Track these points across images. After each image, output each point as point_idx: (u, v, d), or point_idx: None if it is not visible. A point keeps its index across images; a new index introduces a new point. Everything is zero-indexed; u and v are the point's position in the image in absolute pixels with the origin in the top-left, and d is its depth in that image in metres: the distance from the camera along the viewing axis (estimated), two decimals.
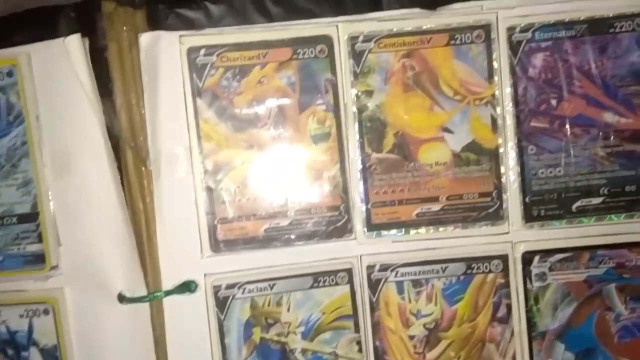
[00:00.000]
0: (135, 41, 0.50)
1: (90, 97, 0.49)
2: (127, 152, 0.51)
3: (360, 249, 0.52)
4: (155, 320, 0.52)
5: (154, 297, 0.50)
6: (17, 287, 0.51)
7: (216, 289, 0.52)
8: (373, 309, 0.53)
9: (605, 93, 0.52)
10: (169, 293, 0.51)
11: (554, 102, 0.52)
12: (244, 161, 0.51)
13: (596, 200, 0.52)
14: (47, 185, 0.50)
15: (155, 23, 0.51)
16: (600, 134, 0.52)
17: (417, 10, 0.52)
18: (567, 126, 0.52)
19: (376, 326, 0.53)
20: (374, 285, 0.53)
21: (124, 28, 0.50)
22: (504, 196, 0.52)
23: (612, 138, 0.52)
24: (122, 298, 0.50)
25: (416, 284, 0.53)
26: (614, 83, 0.52)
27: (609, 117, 0.52)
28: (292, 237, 0.52)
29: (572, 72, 0.52)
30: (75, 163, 0.50)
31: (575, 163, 0.52)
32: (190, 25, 0.51)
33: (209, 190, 0.51)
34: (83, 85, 0.49)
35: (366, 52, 0.51)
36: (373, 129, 0.52)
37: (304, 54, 0.51)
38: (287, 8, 0.51)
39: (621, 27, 0.51)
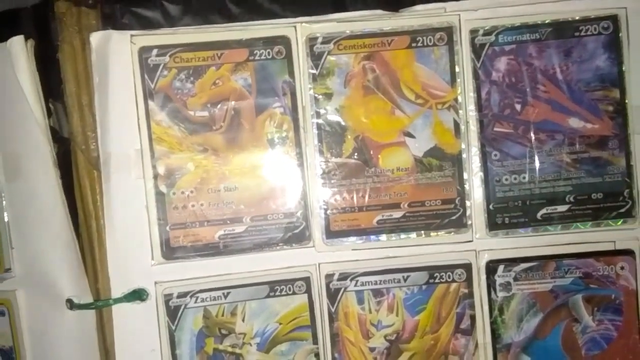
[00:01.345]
0: (89, 41, 0.49)
1: (31, 100, 0.48)
2: (79, 155, 0.49)
3: (319, 257, 0.51)
4: (105, 328, 0.50)
5: (101, 304, 0.48)
6: None
7: (167, 298, 0.50)
8: (332, 320, 0.51)
9: (570, 98, 0.50)
10: (117, 301, 0.49)
11: (518, 106, 0.51)
12: (197, 165, 0.50)
13: (562, 208, 0.51)
14: (1, 188, 0.49)
15: (109, 22, 0.49)
16: (566, 139, 0.50)
17: (378, 11, 0.50)
18: (532, 132, 0.50)
19: (335, 337, 0.51)
20: (332, 295, 0.51)
21: (76, 29, 0.49)
22: (467, 203, 0.51)
23: (577, 144, 0.50)
24: (71, 304, 0.48)
25: (377, 293, 0.51)
26: (579, 88, 0.50)
27: (574, 122, 0.50)
28: (248, 244, 0.50)
29: (537, 76, 0.50)
30: (25, 167, 0.49)
31: (540, 169, 0.50)
32: (147, 24, 0.50)
33: (161, 195, 0.49)
34: (23, 88, 0.47)
35: (325, 53, 0.50)
36: (332, 133, 0.50)
37: (260, 55, 0.50)
38: (248, 8, 0.50)
39: (586, 31, 0.50)
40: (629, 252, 0.50)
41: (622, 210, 0.50)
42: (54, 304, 0.49)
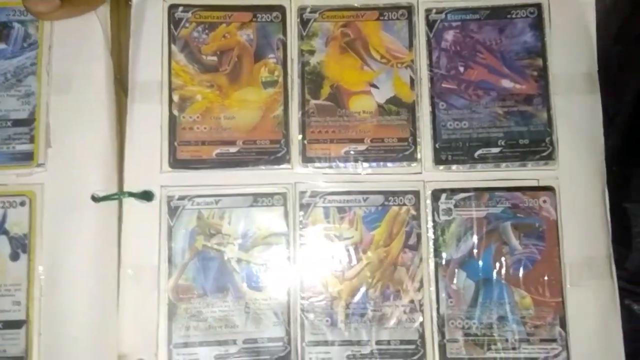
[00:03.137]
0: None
1: (107, 39, 0.61)
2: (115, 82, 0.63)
3: (295, 177, 0.62)
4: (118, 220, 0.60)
5: (117, 196, 0.60)
6: None
7: (169, 199, 0.61)
8: (302, 229, 0.61)
9: (503, 64, 0.63)
10: (132, 195, 0.60)
11: (461, 69, 0.63)
12: (204, 97, 0.63)
13: (495, 150, 0.62)
14: (48, 97, 0.61)
15: None
16: (499, 96, 0.63)
17: None
18: (472, 89, 0.63)
19: (304, 244, 0.61)
20: (304, 208, 0.62)
21: None
22: (418, 141, 0.62)
23: (508, 100, 0.63)
24: (94, 198, 0.59)
25: (340, 210, 0.62)
26: (510, 57, 0.63)
27: (506, 83, 0.63)
28: (239, 162, 0.62)
29: (477, 46, 0.64)
30: (76, 84, 0.61)
31: (477, 118, 0.62)
32: None
33: (173, 117, 0.62)
34: (102, 29, 0.61)
35: (312, 20, 0.64)
36: (313, 81, 0.63)
37: (262, 18, 0.64)
38: None
39: (516, 14, 0.64)
40: (550, 189, 0.61)
41: (544, 154, 0.61)
42: (80, 198, 0.60)
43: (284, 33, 0.64)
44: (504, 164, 0.62)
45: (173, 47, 0.63)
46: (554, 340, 0.59)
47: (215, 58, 0.63)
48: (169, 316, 0.59)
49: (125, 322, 0.59)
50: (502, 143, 0.62)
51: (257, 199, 0.62)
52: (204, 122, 0.62)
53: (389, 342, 0.59)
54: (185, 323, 0.59)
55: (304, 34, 0.64)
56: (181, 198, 0.61)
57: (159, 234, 0.60)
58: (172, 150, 0.62)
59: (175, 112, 0.62)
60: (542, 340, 0.59)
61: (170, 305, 0.59)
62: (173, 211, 0.61)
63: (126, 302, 0.59)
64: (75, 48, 0.62)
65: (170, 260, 0.60)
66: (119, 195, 0.60)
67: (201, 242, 0.61)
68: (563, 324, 0.59)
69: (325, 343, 0.59)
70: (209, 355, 0.59)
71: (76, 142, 0.61)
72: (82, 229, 0.60)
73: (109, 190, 0.60)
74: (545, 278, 0.60)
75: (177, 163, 0.62)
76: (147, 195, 0.61)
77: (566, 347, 0.59)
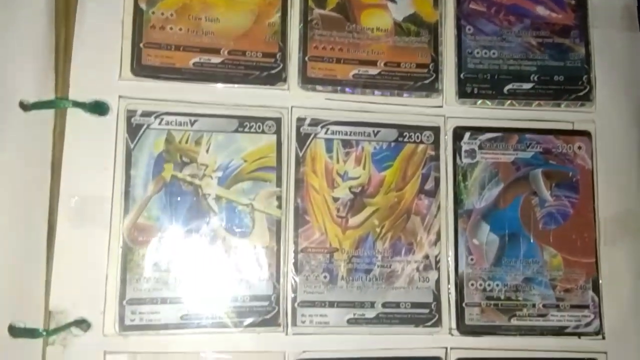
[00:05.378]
0: None
1: None
2: None
3: (292, 100, 0.50)
4: (57, 137, 0.46)
5: (59, 104, 0.45)
6: None
7: (130, 114, 0.47)
8: (298, 164, 0.49)
9: None
10: (78, 105, 0.46)
11: None
12: None
13: (527, 85, 0.53)
14: None
15: None
16: (533, 24, 0.54)
17: None
18: (503, 13, 0.54)
19: (299, 183, 0.49)
20: (302, 139, 0.50)
21: None
22: (440, 69, 0.52)
23: (542, 29, 0.54)
24: (23, 105, 0.45)
25: (346, 144, 0.50)
26: None
27: (541, 10, 0.54)
28: (222, 75, 0.49)
29: None
30: None
31: (508, 48, 0.53)
32: None
33: (140, 11, 0.48)
34: None
35: None
36: None
37: None
38: None
39: None
40: (586, 134, 0.53)
41: (581, 93, 0.53)
42: (3, 103, 0.45)
43: None
44: (535, 102, 0.53)
45: None
46: (586, 307, 0.51)
47: None
48: (122, 264, 0.45)
49: (62, 270, 0.44)
50: (535, 78, 0.53)
51: (244, 124, 0.49)
52: (179, 22, 0.49)
53: (398, 305, 0.49)
54: (143, 274, 0.46)
55: None
56: (146, 114, 0.47)
57: (114, 158, 0.47)
58: (136, 53, 0.48)
59: (143, 5, 0.49)
60: (573, 307, 0.51)
61: (124, 250, 0.46)
62: (134, 130, 0.47)
63: (64, 243, 0.45)
64: None
65: (127, 193, 0.46)
66: (59, 102, 0.45)
67: (170, 171, 0.47)
68: (596, 288, 0.51)
69: (322, 304, 0.48)
70: (175, 316, 0.46)
71: (2, 33, 0.45)
72: (5, 145, 0.45)
73: (44, 95, 0.45)
74: (578, 235, 0.52)
75: (141, 69, 0.48)
76: (99, 107, 0.47)
77: (599, 314, 0.50)
